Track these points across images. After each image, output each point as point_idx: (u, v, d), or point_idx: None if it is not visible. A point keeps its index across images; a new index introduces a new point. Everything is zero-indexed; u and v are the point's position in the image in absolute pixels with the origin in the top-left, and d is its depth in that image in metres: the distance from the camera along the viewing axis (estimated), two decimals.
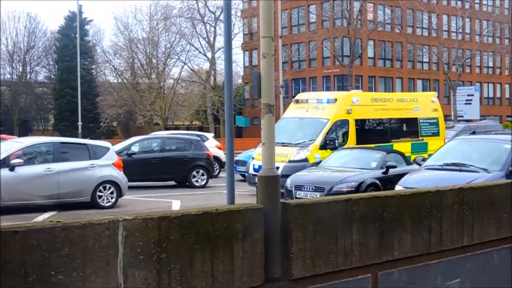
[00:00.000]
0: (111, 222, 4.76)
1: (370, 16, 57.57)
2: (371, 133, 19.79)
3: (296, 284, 5.71)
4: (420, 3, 58.81)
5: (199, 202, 15.97)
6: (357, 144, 18.36)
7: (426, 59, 69.08)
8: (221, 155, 24.49)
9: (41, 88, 71.18)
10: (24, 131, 60.20)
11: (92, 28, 69.44)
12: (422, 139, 20.53)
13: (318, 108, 19.08)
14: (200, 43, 61.98)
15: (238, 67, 63.68)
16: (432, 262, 6.93)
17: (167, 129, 53.35)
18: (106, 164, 15.95)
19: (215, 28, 60.57)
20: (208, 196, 17.56)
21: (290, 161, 17.24)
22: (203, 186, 20.11)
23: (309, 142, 17.97)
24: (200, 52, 62.25)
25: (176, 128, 62.33)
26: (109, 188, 15.76)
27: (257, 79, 5.86)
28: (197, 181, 20.15)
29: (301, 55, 65.48)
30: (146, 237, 4.88)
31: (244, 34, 67.57)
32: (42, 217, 14.04)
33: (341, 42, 57.18)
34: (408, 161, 16.37)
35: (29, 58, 68.46)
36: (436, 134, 21.08)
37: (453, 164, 11.99)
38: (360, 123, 19.24)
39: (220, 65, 60.11)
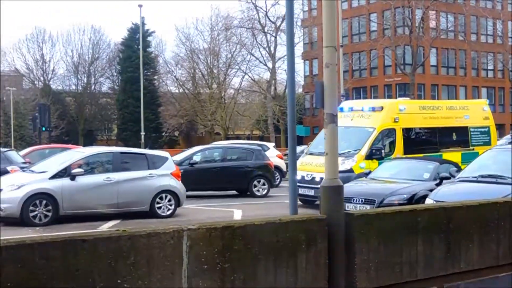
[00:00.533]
0: (176, 231, 4.81)
1: (432, 23, 56.60)
2: (419, 142, 19.01)
3: None
4: (484, 10, 57.60)
5: (261, 212, 15.98)
6: (404, 154, 17.60)
7: (491, 67, 67.43)
8: (282, 164, 24.51)
9: (105, 98, 72.80)
10: (89, 141, 61.70)
11: (154, 39, 70.60)
12: (473, 149, 19.50)
13: (363, 117, 18.32)
14: (261, 53, 62.24)
15: (299, 77, 63.58)
16: (501, 275, 6.74)
17: (227, 138, 53.67)
18: (165, 174, 16.17)
19: (275, 38, 60.75)
20: (269, 206, 17.55)
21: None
22: (264, 196, 20.12)
23: (354, 152, 17.26)
24: (260, 62, 62.50)
25: (237, 137, 62.62)
26: (167, 197, 15.97)
27: (320, 89, 5.85)
28: (258, 190, 20.18)
29: (362, 64, 64.98)
30: (210, 246, 4.92)
31: (304, 44, 67.50)
32: (106, 226, 14.32)
33: (403, 50, 56.50)
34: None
35: (94, 70, 70.14)
36: (488, 143, 19.94)
37: (489, 176, 11.06)
38: (408, 132, 18.50)
39: (281, 74, 60.34)
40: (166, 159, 16.70)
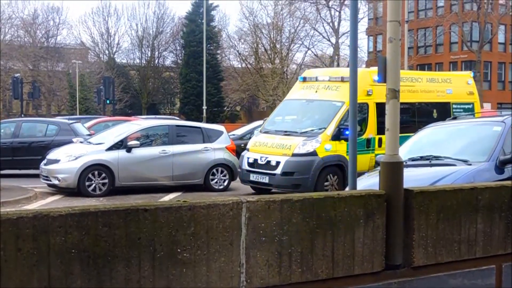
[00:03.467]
0: (235, 203, 4.89)
1: None
2: None
3: (417, 272, 5.62)
4: None
5: None
6: (378, 134, 15.24)
7: None
8: None
9: (168, 72, 73.70)
10: (152, 114, 62.69)
11: (218, 13, 70.90)
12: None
13: (330, 88, 15.48)
14: (324, 28, 61.71)
15: (362, 52, 62.77)
16: None
17: None
18: (220, 148, 16.40)
19: (340, 13, 60.04)
20: None
21: (294, 155, 14.34)
22: None
23: (318, 131, 14.76)
24: (324, 37, 62.03)
25: None
26: (222, 171, 16.16)
27: (382, 64, 5.80)
28: None
29: (427, 40, 63.73)
30: (268, 219, 4.98)
31: (369, 19, 66.58)
32: (167, 198, 14.61)
33: (470, 27, 55.03)
34: None
35: (157, 43, 71.01)
36: None
37: (421, 158, 9.16)
38: (383, 107, 15.94)
39: (344, 50, 59.65)
40: (221, 133, 16.91)
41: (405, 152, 9.03)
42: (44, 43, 67.18)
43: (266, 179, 14.45)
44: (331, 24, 61.15)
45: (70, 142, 17.67)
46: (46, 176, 15.86)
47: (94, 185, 14.99)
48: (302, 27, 62.58)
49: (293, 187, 14.02)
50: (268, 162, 14.52)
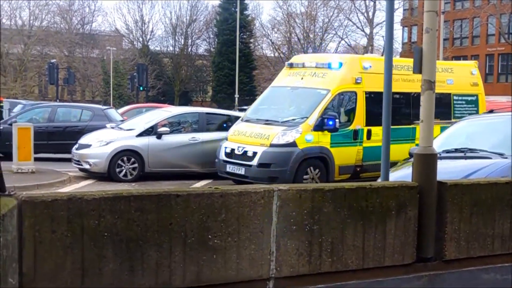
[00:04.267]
0: (266, 191, 4.90)
1: None
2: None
3: (449, 266, 5.58)
4: None
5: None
6: (366, 125, 13.88)
7: None
8: None
9: (201, 60, 73.87)
10: (185, 102, 62.98)
11: (252, 2, 71.10)
12: (456, 122, 15.97)
13: (316, 75, 14.15)
14: (359, 18, 61.48)
15: (397, 43, 62.21)
16: None
17: None
18: None
19: (374, 2, 59.71)
20: None
21: (272, 145, 13.09)
22: None
23: (300, 121, 13.36)
24: (358, 27, 61.84)
25: None
26: None
27: (418, 54, 5.75)
28: None
29: (463, 32, 62.83)
30: (299, 208, 4.98)
31: (404, 10, 65.95)
32: (198, 184, 14.67)
33: (508, 19, 54.15)
34: None
35: (191, 31, 71.21)
36: (475, 114, 15.60)
37: (456, 150, 9.01)
38: (373, 97, 13.97)
39: (378, 41, 59.34)
40: None
41: (439, 144, 8.86)
42: (79, 30, 67.85)
43: (242, 171, 13.28)
44: (365, 14, 60.89)
45: (104, 127, 17.85)
46: (78, 161, 16.06)
47: (124, 170, 15.14)
48: (336, 16, 62.47)
49: (269, 180, 12.59)
50: (245, 152, 13.35)
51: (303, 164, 13.31)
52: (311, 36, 63.48)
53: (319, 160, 13.49)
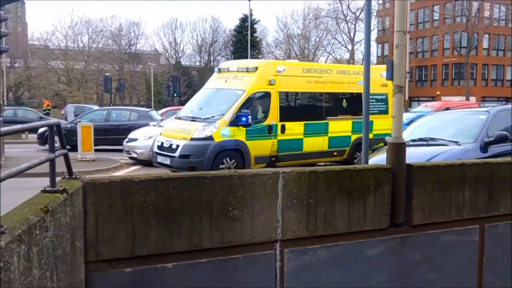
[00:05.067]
0: (273, 173, 4.88)
1: (486, 13, 53.36)
2: (301, 108, 13.50)
3: (416, 229, 5.55)
4: None
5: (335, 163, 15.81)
6: (280, 120, 12.84)
7: None
8: None
9: None
10: None
11: (259, 26, 70.64)
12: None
13: (237, 78, 13.10)
14: (343, 38, 61.21)
15: (373, 57, 61.86)
16: None
17: None
18: None
19: (355, 25, 59.45)
20: None
21: (192, 139, 12.04)
22: None
23: (218, 117, 12.36)
24: (342, 45, 61.60)
25: None
26: None
27: (390, 65, 5.70)
28: None
29: (424, 47, 62.37)
30: (299, 186, 4.96)
31: (378, 30, 65.59)
32: (123, 172, 14.59)
33: (460, 36, 53.71)
34: None
35: (213, 50, 71.18)
36: (384, 112, 14.85)
37: (420, 140, 8.80)
38: (286, 96, 13.16)
39: (358, 55, 59.02)
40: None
41: (407, 134, 8.86)
42: (127, 50, 67.82)
43: (168, 161, 12.18)
44: (348, 34, 60.46)
45: (147, 125, 17.88)
46: (128, 151, 16.10)
47: None
48: (325, 37, 62.12)
49: (188, 169, 11.49)
50: (171, 145, 12.32)
51: (219, 155, 12.09)
52: (306, 52, 63.25)
53: (235, 151, 12.30)
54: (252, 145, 12.31)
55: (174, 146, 12.19)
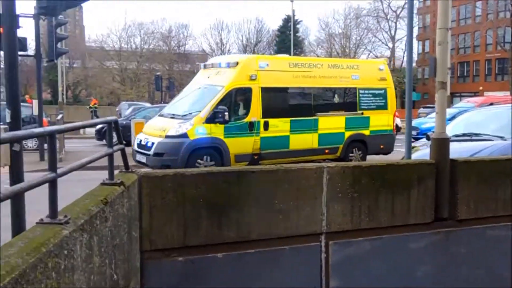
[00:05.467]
0: (318, 168, 4.83)
1: None
2: (287, 104, 12.25)
3: (460, 224, 5.39)
4: None
5: (380, 157, 15.51)
6: (263, 117, 11.67)
7: None
8: (398, 122, 23.54)
9: None
10: None
11: (302, 26, 70.24)
12: (362, 113, 13.15)
13: (219, 74, 12.06)
14: (383, 36, 60.03)
15: (414, 54, 60.52)
16: None
17: None
18: None
19: (396, 23, 58.19)
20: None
21: (166, 136, 11.04)
22: None
23: (195, 114, 11.32)
24: (383, 43, 60.42)
25: None
26: None
27: (433, 63, 5.54)
28: None
29: (466, 43, 60.51)
30: (343, 180, 4.90)
31: (419, 28, 64.04)
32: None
33: (504, 31, 51.77)
34: None
35: (257, 50, 71.17)
36: (383, 107, 13.57)
37: (464, 135, 8.24)
38: (270, 92, 11.92)
39: (398, 52, 57.90)
40: None
41: (450, 130, 8.39)
42: (176, 50, 68.74)
43: (144, 159, 11.24)
44: (388, 32, 59.31)
45: None
46: None
47: None
48: (366, 35, 61.12)
49: (163, 168, 10.36)
50: (147, 143, 11.41)
51: (195, 153, 11.05)
52: (347, 50, 62.39)
53: (212, 149, 11.21)
54: (232, 142, 11.27)
55: (149, 144, 11.30)
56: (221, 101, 11.19)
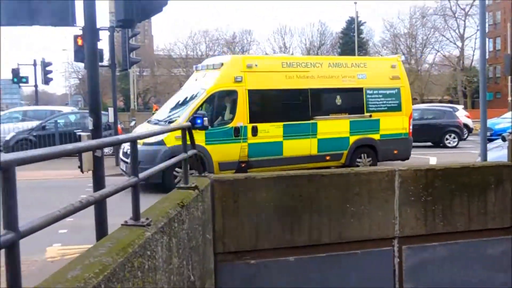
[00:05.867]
0: (390, 171, 4.74)
1: None
2: (279, 108, 11.07)
3: None
4: None
5: (452, 159, 14.95)
6: (251, 122, 10.56)
7: None
8: (470, 122, 22.68)
9: None
10: None
11: (365, 28, 69.13)
12: (370, 116, 11.68)
13: (205, 76, 11.09)
14: (451, 34, 57.91)
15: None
16: None
17: (423, 102, 51.11)
18: None
19: (464, 21, 56.03)
20: (458, 155, 16.37)
21: (144, 144, 10.13)
22: (454, 147, 18.87)
23: (174, 120, 10.41)
24: (450, 41, 58.24)
25: (431, 101, 59.40)
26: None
27: (509, 61, 5.29)
28: (449, 142, 18.99)
29: None
30: (416, 183, 4.77)
31: (489, 25, 61.30)
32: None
33: None
34: None
35: (320, 53, 70.79)
36: (396, 108, 11.99)
37: None
38: (259, 94, 10.85)
39: (467, 51, 55.70)
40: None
41: None
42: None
43: (125, 168, 10.37)
44: (457, 31, 57.22)
45: None
46: None
47: None
48: (432, 34, 59.17)
49: None
50: (128, 151, 10.36)
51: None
52: (413, 50, 60.71)
53: (191, 157, 9.62)
54: (214, 149, 10.36)
55: (129, 152, 10.16)
56: (201, 106, 10.35)
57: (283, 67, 11.16)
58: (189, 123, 3.95)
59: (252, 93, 10.60)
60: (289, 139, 10.89)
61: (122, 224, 2.54)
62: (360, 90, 11.61)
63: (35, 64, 23.40)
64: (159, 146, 9.93)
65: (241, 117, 10.50)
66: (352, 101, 11.65)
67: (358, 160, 11.48)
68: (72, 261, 1.98)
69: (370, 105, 11.69)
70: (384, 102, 12.00)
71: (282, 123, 10.77)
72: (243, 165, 10.50)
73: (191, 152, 3.95)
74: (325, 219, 4.47)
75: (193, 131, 9.61)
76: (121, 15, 4.51)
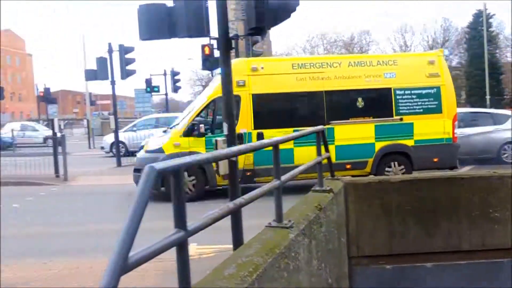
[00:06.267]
0: None
1: None
2: (288, 113, 10.16)
3: None
4: None
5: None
6: (255, 128, 9.83)
7: None
8: None
9: (454, 71, 69.38)
10: None
11: (495, 20, 64.42)
12: (401, 119, 10.27)
13: (213, 82, 10.70)
14: None
15: None
16: None
17: None
18: (508, 128, 14.97)
19: None
20: None
21: (146, 151, 10.08)
22: None
23: (175, 127, 10.14)
24: None
25: None
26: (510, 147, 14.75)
27: None
28: None
29: None
30: None
31: None
32: (464, 169, 13.71)
33: None
34: None
35: (444, 49, 67.51)
36: (435, 110, 10.39)
37: None
38: (265, 99, 10.02)
39: None
40: (509, 116, 15.44)
41: None
42: None
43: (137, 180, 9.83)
44: None
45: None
46: None
47: None
48: None
49: None
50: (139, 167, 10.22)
51: None
52: None
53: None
54: None
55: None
56: (201, 112, 10.08)
57: (293, 68, 10.38)
58: (322, 127, 3.96)
59: (256, 98, 10.02)
60: (301, 146, 9.95)
61: (266, 226, 2.63)
62: (387, 90, 10.41)
63: (165, 74, 25.00)
64: (158, 154, 9.73)
65: (244, 124, 9.96)
66: (377, 103, 10.47)
67: (387, 169, 10.37)
68: (226, 260, 2.09)
69: (400, 107, 10.45)
70: (419, 103, 10.64)
71: (292, 129, 9.53)
72: (248, 174, 10.00)
73: (324, 155, 3.97)
74: (465, 224, 4.24)
75: (192, 138, 9.59)
76: (252, 23, 4.67)
